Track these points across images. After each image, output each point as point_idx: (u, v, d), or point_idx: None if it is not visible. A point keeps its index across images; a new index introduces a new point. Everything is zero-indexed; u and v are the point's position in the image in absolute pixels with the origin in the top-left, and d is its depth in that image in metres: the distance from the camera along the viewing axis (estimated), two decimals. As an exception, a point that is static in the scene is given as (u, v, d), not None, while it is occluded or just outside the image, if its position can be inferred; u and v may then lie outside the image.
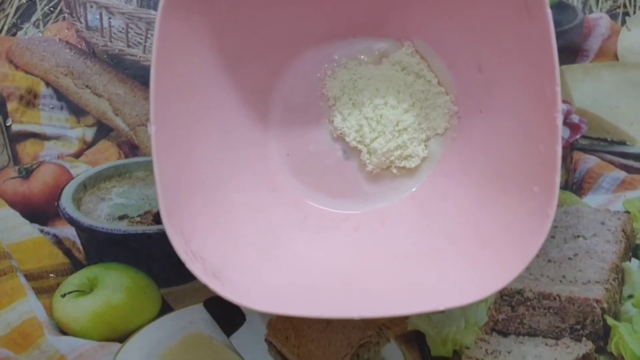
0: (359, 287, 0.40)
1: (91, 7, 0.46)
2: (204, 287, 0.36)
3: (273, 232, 0.42)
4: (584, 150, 0.47)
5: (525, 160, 0.39)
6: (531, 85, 0.39)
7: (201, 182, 0.40)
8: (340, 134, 0.45)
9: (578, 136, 0.47)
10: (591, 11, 0.47)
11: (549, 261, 0.46)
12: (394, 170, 0.45)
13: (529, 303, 0.45)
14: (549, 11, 0.37)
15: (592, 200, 0.46)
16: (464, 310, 0.46)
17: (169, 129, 0.37)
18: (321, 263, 0.42)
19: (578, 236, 0.46)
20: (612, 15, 0.47)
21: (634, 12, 0.47)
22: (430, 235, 0.43)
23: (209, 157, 0.41)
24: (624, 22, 0.47)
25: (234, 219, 0.41)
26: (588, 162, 0.46)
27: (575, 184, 0.47)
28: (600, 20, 0.47)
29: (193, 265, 0.36)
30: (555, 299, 0.45)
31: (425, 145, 0.45)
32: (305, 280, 0.40)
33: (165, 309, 0.46)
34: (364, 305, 0.38)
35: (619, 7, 0.47)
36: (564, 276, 0.46)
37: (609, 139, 0.47)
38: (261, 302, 0.37)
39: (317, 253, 0.42)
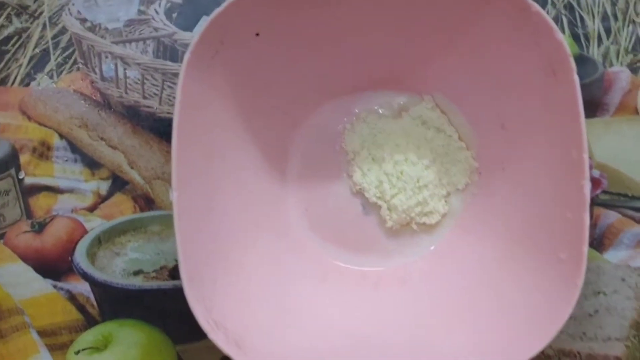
0: (380, 350, 0.40)
1: (106, 57, 0.46)
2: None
3: (292, 291, 0.42)
4: (604, 205, 0.46)
5: (551, 225, 0.38)
6: (557, 147, 0.38)
7: (221, 245, 0.39)
8: (360, 189, 0.44)
9: (599, 191, 0.46)
10: (611, 65, 0.47)
11: (569, 318, 0.46)
12: (414, 227, 0.44)
13: (549, 360, 0.45)
14: (576, 77, 0.36)
15: (613, 256, 0.46)
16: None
17: (189, 192, 0.37)
18: (342, 324, 0.41)
19: (599, 292, 0.46)
20: (633, 69, 0.47)
21: (655, 66, 0.47)
22: (451, 296, 0.42)
23: (228, 216, 0.40)
24: (644, 76, 0.47)
25: (254, 281, 0.40)
26: (609, 217, 0.46)
27: (595, 240, 0.46)
28: (621, 74, 0.47)
29: (215, 336, 0.35)
30: (575, 356, 0.44)
31: (446, 201, 0.44)
32: (326, 344, 0.39)
33: (181, 366, 0.45)
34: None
35: (639, 60, 0.47)
36: (584, 333, 0.45)
37: (630, 195, 0.46)
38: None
39: (338, 313, 0.42)
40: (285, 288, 0.42)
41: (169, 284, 0.44)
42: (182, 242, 0.35)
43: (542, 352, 0.45)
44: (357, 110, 0.45)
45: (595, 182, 0.46)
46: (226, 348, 0.35)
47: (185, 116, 0.36)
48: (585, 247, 0.36)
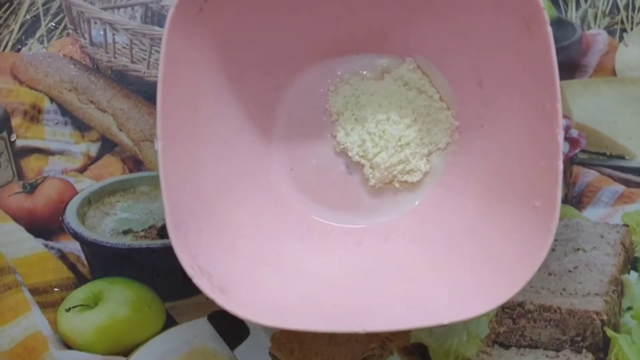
0: (363, 301, 0.41)
1: (95, 23, 0.47)
2: (208, 301, 0.36)
3: (277, 245, 0.43)
4: (583, 164, 0.47)
5: (527, 174, 0.39)
6: (532, 101, 0.39)
7: (206, 196, 0.40)
8: (343, 148, 0.45)
9: (577, 150, 0.47)
10: (589, 27, 0.48)
11: (550, 274, 0.47)
12: (397, 185, 0.45)
13: (530, 315, 0.46)
14: (549, 29, 0.37)
15: (592, 213, 0.47)
16: (466, 323, 0.46)
17: (174, 144, 0.38)
18: (325, 277, 0.42)
19: (578, 249, 0.47)
20: (610, 31, 0.48)
21: (632, 29, 0.48)
22: (434, 249, 0.43)
23: (213, 171, 0.41)
24: (621, 39, 0.48)
25: (238, 233, 0.41)
26: (587, 176, 0.47)
27: (575, 198, 0.47)
28: (599, 37, 0.48)
29: (200, 280, 0.36)
30: (555, 311, 0.45)
31: (428, 160, 0.45)
32: (309, 294, 0.40)
33: (170, 322, 0.46)
34: (368, 319, 0.38)
35: (616, 23, 0.48)
36: (564, 289, 0.46)
37: (608, 154, 0.47)
38: (267, 316, 0.37)
39: (321, 267, 0.43)
40: (270, 242, 0.43)
41: (158, 242, 0.45)
42: (168, 191, 0.36)
43: (523, 308, 0.47)
44: (340, 73, 0.46)
45: (574, 141, 0.47)
46: (210, 292, 0.36)
47: (170, 69, 0.37)
48: (559, 193, 0.37)
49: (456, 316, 0.37)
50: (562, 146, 0.37)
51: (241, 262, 0.40)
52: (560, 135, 0.37)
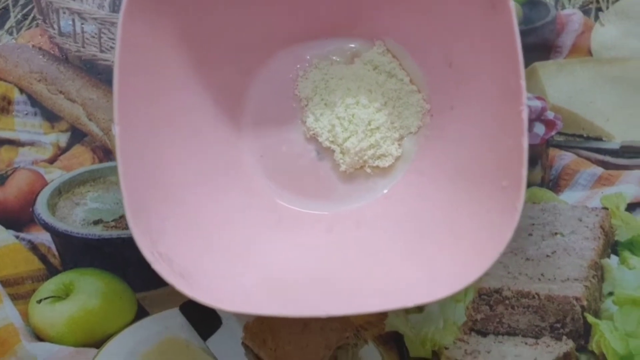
0: (332, 286, 0.40)
1: (64, 13, 0.47)
2: (180, 291, 0.36)
3: (246, 233, 0.42)
4: (559, 146, 0.46)
5: (495, 155, 0.39)
6: (498, 80, 0.38)
7: (172, 184, 0.40)
8: (313, 134, 0.45)
9: (553, 133, 0.46)
10: (564, 7, 0.47)
11: (527, 259, 0.46)
12: (368, 170, 0.44)
13: (507, 302, 0.45)
14: (512, 5, 0.37)
15: (569, 197, 0.46)
16: (442, 310, 0.45)
17: (135, 129, 0.37)
18: (294, 263, 0.41)
19: (556, 233, 0.46)
20: (585, 11, 0.47)
21: (607, 8, 0.47)
22: (404, 234, 0.42)
23: (180, 159, 0.41)
24: (597, 18, 0.47)
25: (206, 221, 0.41)
26: (564, 158, 0.46)
27: (551, 181, 0.46)
28: (573, 16, 0.47)
29: (159, 266, 0.36)
30: (534, 297, 0.45)
31: (399, 144, 0.45)
32: (277, 280, 0.40)
33: (141, 313, 0.45)
34: (336, 303, 0.37)
35: (591, 2, 0.47)
36: (542, 274, 0.45)
37: (585, 135, 0.46)
38: (231, 302, 0.36)
39: (291, 254, 0.42)
40: (239, 230, 0.42)
41: (128, 232, 0.44)
42: (126, 177, 0.36)
43: (501, 294, 0.46)
44: (309, 57, 0.46)
45: (549, 123, 0.46)
46: (170, 278, 0.36)
47: (128, 52, 0.37)
48: (524, 171, 0.36)
49: (424, 298, 0.36)
50: (527, 124, 0.36)
51: (208, 249, 0.40)
52: (525, 113, 0.36)
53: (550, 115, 0.46)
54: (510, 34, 0.37)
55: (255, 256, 0.41)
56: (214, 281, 0.38)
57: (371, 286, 0.39)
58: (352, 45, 0.46)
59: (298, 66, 0.46)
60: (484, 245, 0.37)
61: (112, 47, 0.46)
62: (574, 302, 0.44)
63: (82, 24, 0.46)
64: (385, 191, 0.45)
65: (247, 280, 0.39)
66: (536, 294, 0.45)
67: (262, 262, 0.41)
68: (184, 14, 0.40)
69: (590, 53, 0.47)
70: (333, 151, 0.45)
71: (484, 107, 0.40)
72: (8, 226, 0.46)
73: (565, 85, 0.46)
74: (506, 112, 0.38)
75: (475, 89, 0.41)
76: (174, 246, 0.38)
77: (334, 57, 0.46)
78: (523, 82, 0.37)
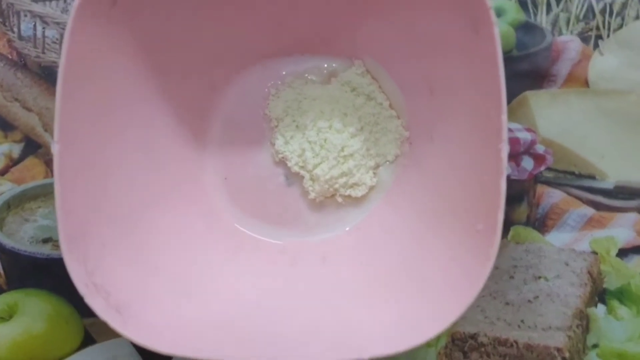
0: (286, 330, 0.37)
1: (25, 16, 0.44)
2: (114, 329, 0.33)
3: (199, 262, 0.39)
4: (548, 183, 0.43)
5: (471, 194, 0.35)
6: (479, 111, 0.35)
7: (118, 206, 0.37)
8: (282, 157, 0.42)
9: (542, 168, 0.43)
10: (561, 33, 0.44)
11: (507, 304, 0.42)
12: (339, 199, 0.41)
13: (483, 349, 0.41)
14: (496, 31, 0.33)
15: (556, 238, 0.43)
16: (411, 355, 0.42)
17: (78, 147, 0.34)
18: (248, 299, 0.38)
19: (539, 277, 0.43)
20: (584, 38, 0.44)
21: (608, 36, 0.43)
22: (373, 272, 0.39)
23: (129, 179, 0.38)
24: (596, 46, 0.43)
25: (155, 247, 0.38)
26: (553, 196, 0.43)
27: (538, 220, 0.43)
28: (571, 44, 0.43)
29: (92, 300, 0.33)
30: (512, 345, 0.41)
31: (374, 173, 0.41)
32: (226, 319, 0.37)
33: (88, 340, 0.43)
34: (285, 351, 0.34)
35: (591, 29, 0.44)
36: (522, 321, 0.42)
37: (577, 172, 0.43)
38: (171, 344, 0.33)
39: (246, 288, 0.39)
40: (191, 257, 0.39)
41: (79, 253, 0.42)
42: (62, 199, 0.33)
43: (476, 340, 0.42)
44: (284, 73, 0.42)
45: (539, 158, 0.43)
46: (103, 314, 0.33)
47: (74, 64, 0.34)
48: (500, 215, 0.33)
49: (380, 350, 0.33)
50: (506, 163, 0.33)
51: (153, 280, 0.36)
52: (505, 151, 0.33)
53: (540, 149, 0.43)
54: (493, 63, 0.33)
55: (205, 289, 0.38)
56: (156, 317, 0.35)
57: (327, 332, 0.36)
58: (330, 64, 0.42)
59: (270, 83, 0.42)
60: (457, 289, 0.34)
61: (73, 54, 0.43)
62: (555, 353, 0.41)
63: (43, 28, 0.43)
64: (356, 222, 0.41)
65: (195, 317, 0.36)
66: (514, 341, 0.41)
67: (214, 295, 0.38)
68: (143, 20, 0.37)
69: (587, 84, 0.43)
70: (302, 177, 0.41)
71: (463, 141, 0.37)
72: (-48, 240, 0.43)
73: (558, 117, 0.43)
74: (485, 148, 0.34)
75: (456, 120, 0.37)
76: (113, 276, 0.35)
77: (309, 76, 0.42)
78: (504, 117, 0.33)
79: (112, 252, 0.35)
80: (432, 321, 0.33)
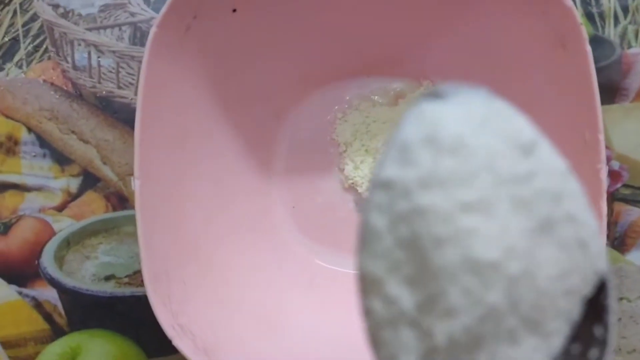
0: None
1: (79, 45, 0.42)
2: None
3: (275, 298, 0.37)
4: (625, 200, 0.42)
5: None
6: (570, 132, 0.34)
7: (194, 242, 0.35)
8: (352, 183, 0.40)
9: (619, 185, 0.41)
10: (630, 46, 0.43)
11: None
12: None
13: (567, 375, 0.40)
14: (588, 47, 0.32)
15: (637, 257, 0.41)
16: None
17: (155, 182, 0.33)
18: (331, 332, 0.37)
19: (621, 299, 0.41)
20: (654, 50, 0.43)
21: (678, 47, 0.42)
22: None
23: (203, 213, 0.36)
24: (667, 58, 0.42)
25: (231, 284, 0.36)
26: (631, 214, 0.41)
27: (616, 240, 0.41)
28: (641, 56, 0.42)
29: (181, 342, 0.31)
30: (596, 370, 0.40)
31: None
32: (311, 357, 0.35)
33: (156, 381, 0.41)
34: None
35: (661, 41, 0.43)
36: (606, 344, 0.40)
37: (654, 188, 0.42)
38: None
39: (326, 321, 0.37)
40: (267, 293, 0.37)
41: (143, 290, 0.40)
42: (145, 237, 0.31)
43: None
44: (349, 98, 0.41)
45: (614, 175, 0.42)
46: (193, 356, 0.31)
47: (151, 96, 0.32)
48: (603, 238, 0.31)
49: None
50: (606, 184, 0.32)
51: (232, 318, 0.35)
52: (604, 171, 0.32)
53: (615, 165, 0.42)
54: (587, 80, 0.32)
55: (287, 325, 0.36)
56: (242, 356, 0.33)
57: None
58: (397, 86, 0.41)
59: (336, 107, 0.41)
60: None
61: (130, 83, 0.42)
62: (641, 376, 0.39)
63: (98, 57, 0.42)
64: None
65: (279, 354, 0.34)
66: (599, 366, 0.40)
67: (294, 332, 0.36)
68: (212, 51, 0.36)
69: (659, 97, 0.42)
70: (374, 203, 0.40)
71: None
72: (10, 281, 0.41)
73: (632, 133, 0.41)
74: (579, 169, 0.33)
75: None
76: (196, 316, 0.33)
77: (375, 98, 0.41)
78: (601, 136, 0.32)
79: (192, 291, 0.34)
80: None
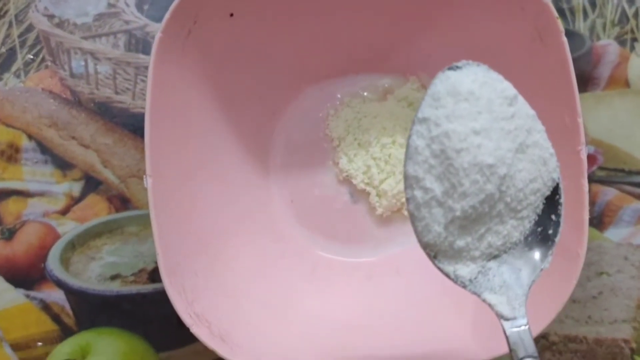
0: (377, 342, 0.37)
1: (76, 53, 0.44)
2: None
3: (280, 286, 0.39)
4: (601, 182, 0.44)
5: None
6: (550, 118, 0.36)
7: (202, 236, 0.37)
8: (347, 176, 0.42)
9: (594, 168, 0.44)
10: (599, 38, 0.46)
11: (573, 301, 0.43)
12: (406, 213, 0.42)
13: (554, 347, 0.42)
14: (564, 39, 0.35)
15: (614, 234, 0.44)
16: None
17: (166, 180, 0.34)
18: (333, 316, 0.39)
19: (601, 273, 0.44)
20: (621, 41, 0.46)
21: (642, 38, 0.45)
22: (446, 282, 0.40)
23: (209, 208, 0.38)
24: (632, 49, 0.46)
25: (239, 275, 0.38)
26: (607, 194, 0.44)
27: (595, 219, 0.44)
28: (609, 47, 0.45)
29: (198, 329, 0.33)
30: (581, 341, 0.42)
31: (439, 184, 0.42)
32: (317, 339, 0.37)
33: (166, 374, 0.42)
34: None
35: (626, 33, 0.46)
36: (589, 316, 0.43)
37: (627, 169, 0.45)
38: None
39: (329, 306, 0.39)
40: (272, 281, 0.39)
41: (149, 287, 0.42)
42: (160, 232, 0.33)
43: (547, 339, 0.43)
44: (340, 95, 0.43)
45: (590, 158, 0.44)
46: (211, 342, 0.33)
47: (158, 98, 0.34)
48: (586, 215, 0.34)
49: (476, 356, 0.34)
50: (586, 164, 0.34)
51: (243, 307, 0.37)
52: (584, 152, 0.34)
53: (590, 149, 0.44)
54: (564, 69, 0.35)
55: (293, 312, 0.38)
56: (254, 343, 0.35)
57: (418, 341, 0.37)
58: (385, 81, 0.43)
59: (328, 104, 0.43)
60: (542, 297, 0.35)
61: (127, 89, 0.44)
62: (623, 344, 0.42)
63: (95, 64, 0.43)
64: (424, 235, 0.42)
65: (287, 340, 0.36)
66: (584, 337, 0.42)
67: (300, 318, 0.38)
68: (212, 53, 0.38)
69: (627, 84, 0.45)
70: (368, 194, 0.42)
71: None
72: (17, 284, 0.42)
73: (604, 118, 0.44)
74: (561, 151, 0.35)
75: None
76: (209, 305, 0.35)
77: (365, 94, 0.43)
78: (580, 119, 0.35)
79: (204, 282, 0.35)
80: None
